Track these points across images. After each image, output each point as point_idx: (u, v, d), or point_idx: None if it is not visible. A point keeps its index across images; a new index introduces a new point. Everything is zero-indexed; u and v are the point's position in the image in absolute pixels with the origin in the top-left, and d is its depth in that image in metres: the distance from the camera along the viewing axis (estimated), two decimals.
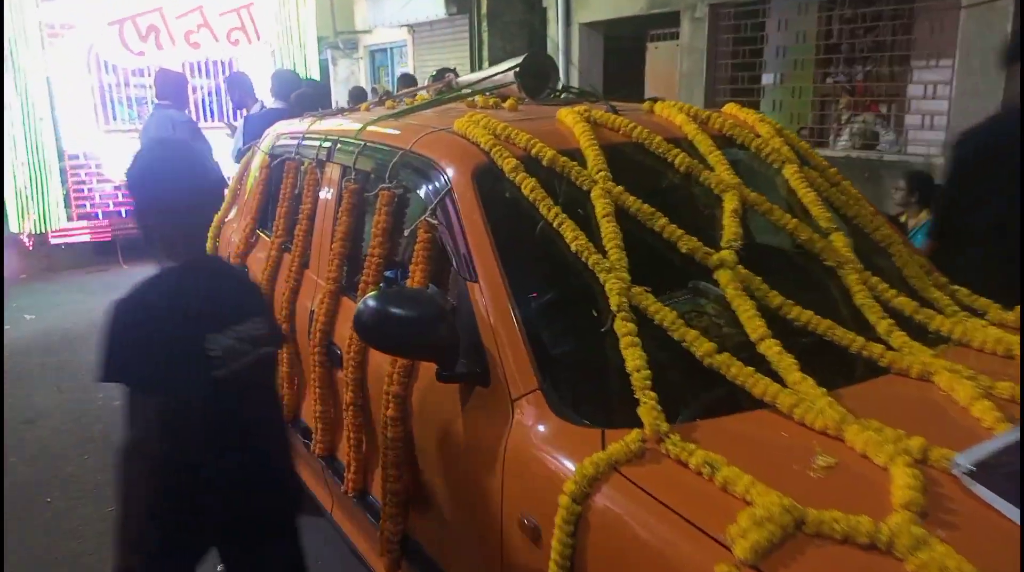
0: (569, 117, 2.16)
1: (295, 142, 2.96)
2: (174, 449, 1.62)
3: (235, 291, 1.81)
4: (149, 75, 8.03)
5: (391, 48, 13.56)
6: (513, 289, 1.70)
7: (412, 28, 12.16)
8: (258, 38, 7.98)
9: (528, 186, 1.86)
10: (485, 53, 9.76)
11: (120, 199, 8.24)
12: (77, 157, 8.02)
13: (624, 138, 2.13)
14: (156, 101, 5.76)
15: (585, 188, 1.92)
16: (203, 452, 1.65)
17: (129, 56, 7.44)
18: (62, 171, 7.92)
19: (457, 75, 3.26)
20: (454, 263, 1.85)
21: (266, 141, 3.32)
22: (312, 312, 2.45)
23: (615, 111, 2.27)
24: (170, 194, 1.66)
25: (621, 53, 8.08)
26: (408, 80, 9.79)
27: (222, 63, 8.41)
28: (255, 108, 5.84)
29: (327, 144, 2.65)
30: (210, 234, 3.45)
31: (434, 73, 3.31)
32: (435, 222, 1.92)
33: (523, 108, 2.49)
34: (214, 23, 7.70)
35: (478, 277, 1.74)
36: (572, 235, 1.76)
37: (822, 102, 6.32)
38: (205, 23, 7.64)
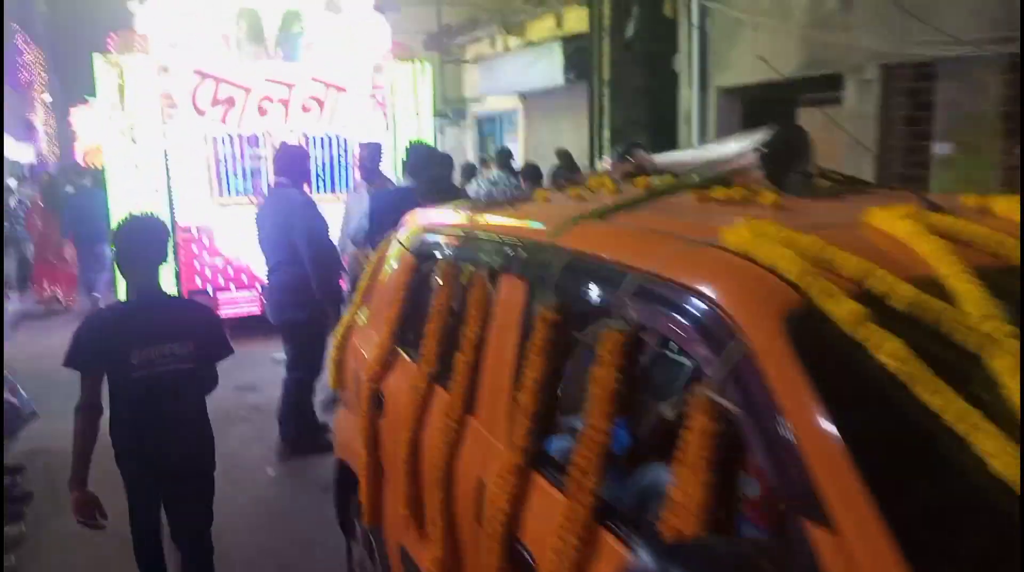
0: (899, 225, 1.42)
1: (451, 239, 2.31)
2: (112, 426, 2.72)
3: (168, 320, 2.75)
4: (264, 145, 7.84)
5: (500, 116, 13.28)
6: (908, 555, 0.94)
7: (524, 96, 11.82)
8: (331, 122, 7.77)
9: (891, 352, 1.11)
10: (606, 121, 9.19)
11: (230, 274, 7.98)
12: (189, 230, 7.81)
13: (994, 258, 1.37)
14: (275, 178, 5.35)
15: (971, 349, 1.16)
16: (131, 432, 2.70)
17: (191, 114, 7.33)
18: (173, 245, 7.71)
19: (647, 153, 2.57)
20: (773, 479, 1.11)
21: (406, 232, 2.70)
22: (481, 483, 1.76)
23: (938, 208, 1.52)
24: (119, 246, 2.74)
25: (763, 119, 7.33)
26: (507, 156, 9.31)
27: (336, 136, 8.15)
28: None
29: (504, 249, 1.98)
30: (336, 339, 2.88)
31: (619, 150, 2.67)
32: (723, 403, 1.19)
33: (786, 204, 1.77)
34: (295, 98, 7.55)
35: (835, 523, 0.99)
36: (993, 445, 1.00)
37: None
38: (288, 96, 7.45)
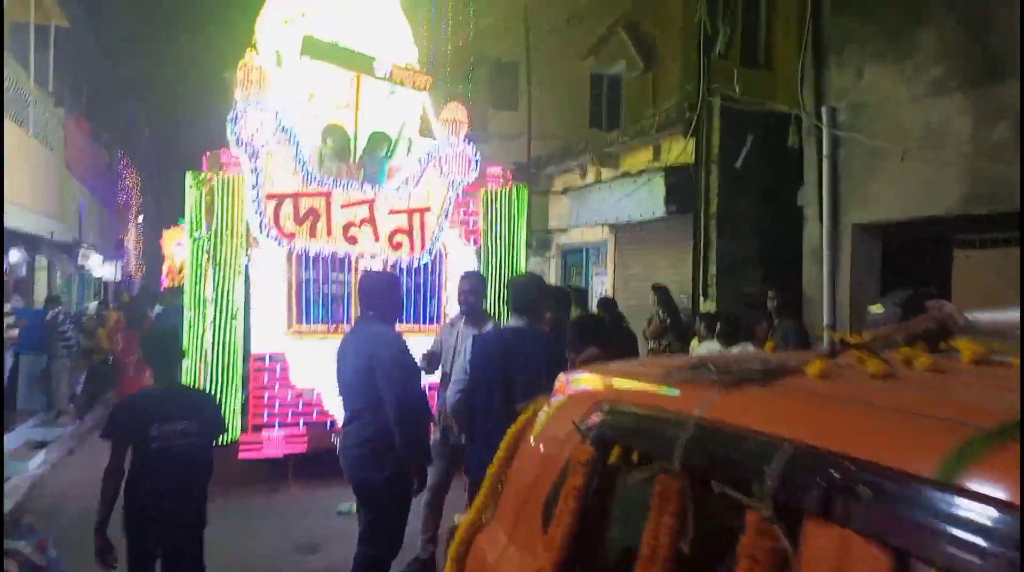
0: None
1: (674, 430, 1.48)
2: (128, 486, 3.48)
3: (178, 403, 3.63)
4: (349, 270, 7.33)
5: (586, 248, 12.74)
6: None
7: (615, 227, 11.27)
8: (422, 247, 7.08)
9: None
10: (712, 256, 8.47)
11: (300, 408, 7.29)
12: (262, 359, 7.22)
13: None
14: (361, 310, 4.68)
15: None
16: (144, 490, 3.47)
17: (278, 236, 6.70)
18: (244, 375, 7.11)
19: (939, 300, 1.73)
20: None
21: (572, 406, 1.89)
22: None
23: None
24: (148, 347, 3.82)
25: (908, 260, 6.46)
26: (610, 306, 8.61)
27: (423, 266, 7.61)
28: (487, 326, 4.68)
29: (823, 471, 1.14)
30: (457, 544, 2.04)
31: (896, 299, 1.90)
32: None
33: None
34: (380, 220, 6.92)
35: None
36: None
37: None
38: (371, 217, 6.86)
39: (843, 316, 6.53)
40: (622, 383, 1.78)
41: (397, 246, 6.87)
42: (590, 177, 11.80)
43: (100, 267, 19.33)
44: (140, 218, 29.39)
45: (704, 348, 6.60)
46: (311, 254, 7.01)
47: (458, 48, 16.24)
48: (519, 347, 3.81)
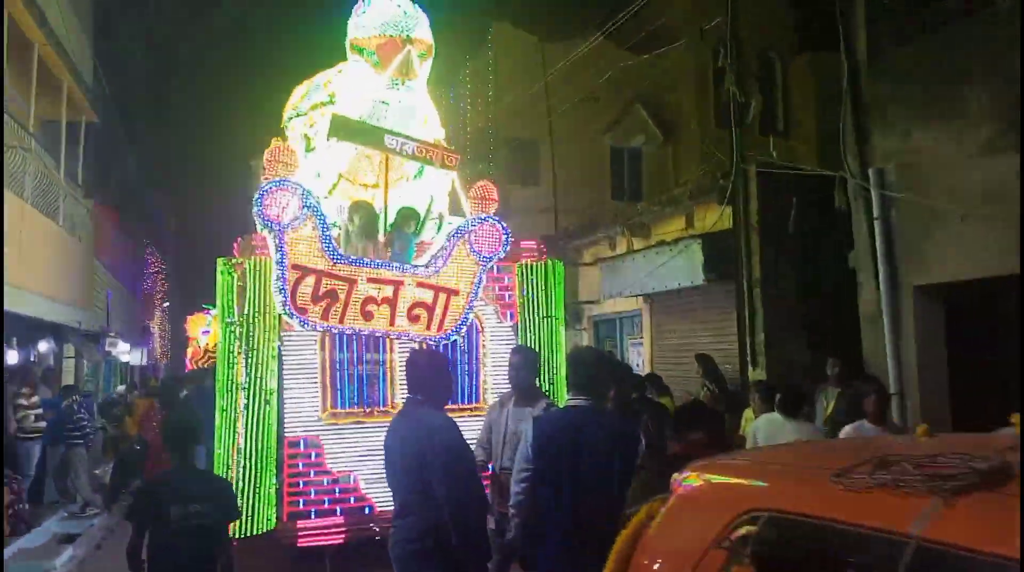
0: None
1: (848, 539, 1.19)
2: (151, 564, 3.83)
3: (194, 487, 3.99)
4: (386, 350, 7.09)
5: (620, 319, 12.46)
6: None
7: (650, 296, 11.01)
8: (439, 329, 6.77)
9: None
10: (759, 324, 8.16)
11: (337, 495, 6.93)
12: (297, 445, 6.91)
13: None
14: (409, 392, 4.37)
15: None
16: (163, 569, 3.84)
17: (292, 310, 6.38)
18: (278, 462, 6.79)
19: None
20: None
21: (683, 506, 1.60)
22: None
23: None
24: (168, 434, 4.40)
25: (973, 322, 6.13)
26: (656, 381, 8.27)
27: (455, 343, 7.35)
28: (538, 405, 4.38)
29: None
30: None
31: None
32: None
33: None
34: (402, 299, 6.61)
35: None
36: None
37: None
38: (393, 298, 6.53)
39: (909, 383, 6.17)
40: (773, 483, 1.49)
41: (415, 319, 6.60)
42: (620, 247, 11.63)
43: (127, 353, 19.28)
44: (165, 304, 29.58)
45: (765, 421, 6.24)
46: (342, 334, 6.78)
47: (478, 129, 16.46)
48: (588, 430, 3.50)
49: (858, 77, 6.64)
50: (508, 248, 6.79)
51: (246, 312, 6.71)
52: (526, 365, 5.04)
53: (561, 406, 3.92)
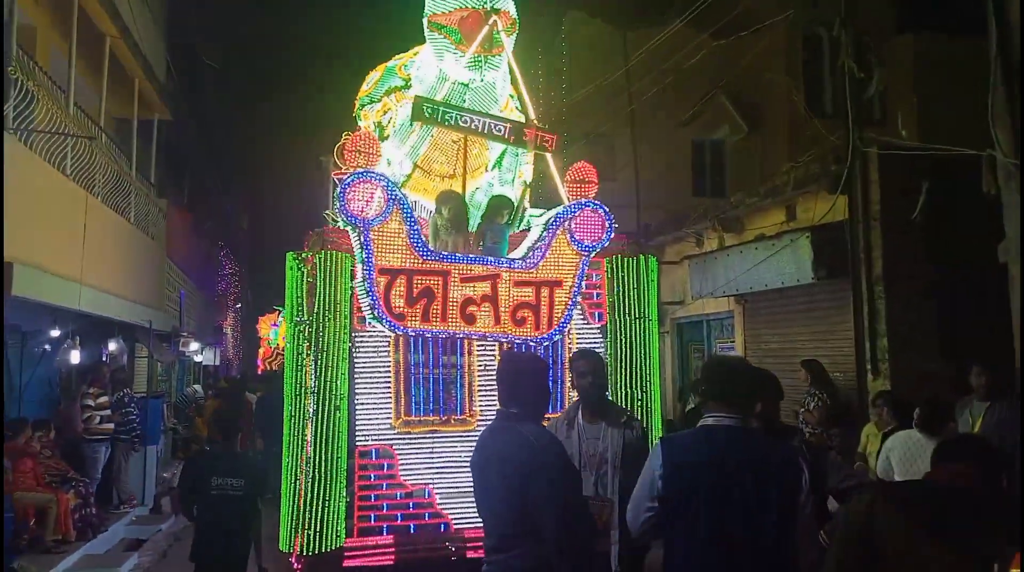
0: None
1: None
2: (195, 535, 5.31)
3: (233, 466, 5.37)
4: (464, 353, 6.49)
5: (707, 321, 11.58)
6: None
7: (743, 297, 10.13)
8: (550, 325, 6.04)
9: None
10: (881, 327, 7.22)
11: (411, 510, 6.34)
12: (369, 456, 6.36)
13: None
14: (501, 403, 3.70)
15: None
16: (205, 534, 5.25)
17: (388, 319, 5.73)
18: (348, 473, 6.25)
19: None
20: None
21: None
22: None
23: None
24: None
25: None
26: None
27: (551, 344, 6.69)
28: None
29: None
30: None
31: None
32: None
33: None
34: (504, 297, 5.92)
35: None
36: None
37: None
38: (493, 294, 5.87)
39: None
40: None
41: (521, 322, 5.94)
42: (709, 244, 10.79)
43: (200, 354, 19.30)
44: (238, 305, 29.89)
45: (902, 440, 5.37)
46: (419, 336, 6.19)
47: (552, 123, 15.80)
48: (737, 456, 2.76)
49: (1009, 43, 5.70)
50: (611, 236, 6.09)
51: (316, 311, 6.21)
52: (595, 372, 4.35)
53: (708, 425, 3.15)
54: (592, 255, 6.15)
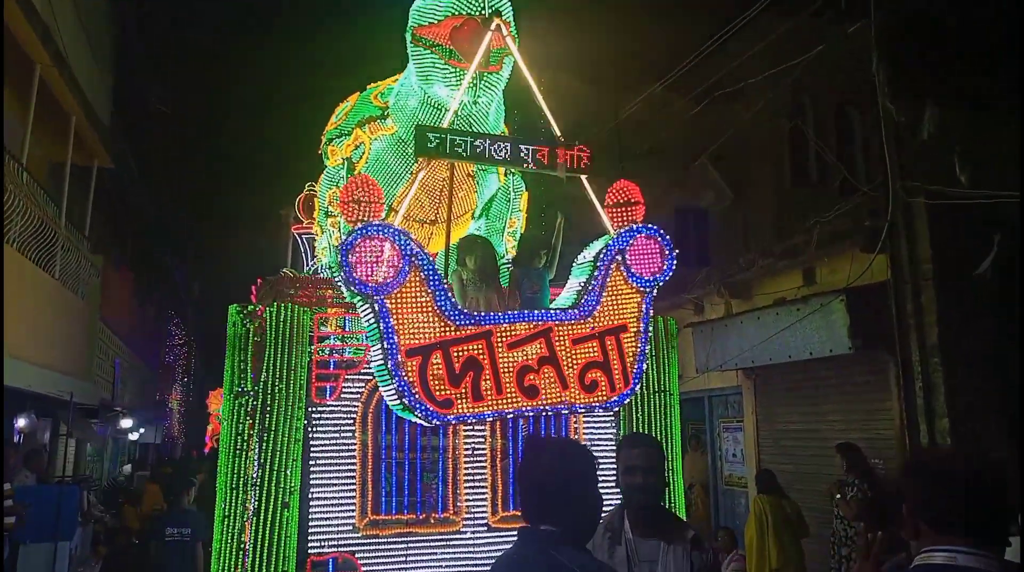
0: None
1: None
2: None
3: (182, 518, 7.60)
4: (448, 434, 5.25)
5: (709, 397, 10.43)
6: None
7: (753, 371, 9.03)
8: (627, 382, 4.80)
9: None
10: (939, 405, 6.13)
11: None
12: (324, 567, 4.96)
13: None
14: (528, 518, 2.44)
15: None
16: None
17: (429, 408, 4.39)
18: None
19: None
20: None
21: None
22: None
23: None
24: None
25: None
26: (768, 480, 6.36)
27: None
28: None
29: None
30: None
31: None
32: None
33: None
34: (564, 355, 4.67)
35: None
36: None
37: None
38: (551, 353, 4.63)
39: None
40: None
41: (591, 387, 4.67)
42: (713, 311, 9.75)
43: (135, 431, 17.42)
44: (186, 378, 27.96)
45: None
46: (479, 422, 4.85)
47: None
48: None
49: None
50: (673, 265, 4.92)
51: (264, 379, 4.90)
52: (652, 466, 3.17)
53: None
54: (655, 292, 4.97)
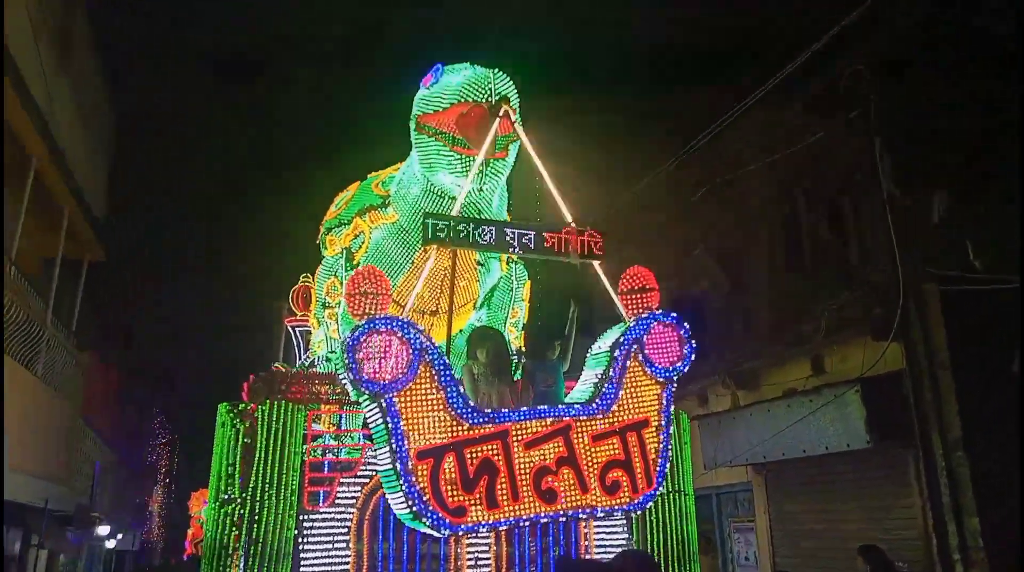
0: None
1: None
2: None
3: None
4: (452, 540, 4.86)
5: (717, 495, 9.97)
6: None
7: (763, 466, 8.65)
8: (650, 483, 4.49)
9: None
10: (971, 504, 5.78)
11: None
12: None
13: None
14: None
15: None
16: None
17: (441, 516, 4.01)
18: None
19: None
20: None
21: None
22: None
23: None
24: None
25: None
26: None
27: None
28: None
29: None
30: None
31: None
32: None
33: None
34: (583, 453, 4.36)
35: None
36: None
37: None
38: (569, 452, 4.33)
39: None
40: None
41: (613, 488, 4.35)
42: (719, 403, 9.44)
43: (112, 539, 16.52)
44: (168, 479, 26.92)
45: None
46: (492, 530, 4.49)
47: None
48: None
49: None
50: (693, 355, 4.71)
51: (252, 484, 4.55)
52: None
53: None
54: (675, 383, 4.71)
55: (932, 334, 6.19)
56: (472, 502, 3.99)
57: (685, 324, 4.77)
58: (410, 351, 4.03)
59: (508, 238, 4.70)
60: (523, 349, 5.76)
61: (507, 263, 6.52)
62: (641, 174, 11.81)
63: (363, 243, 6.14)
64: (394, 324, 4.05)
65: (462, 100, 5.06)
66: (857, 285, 7.17)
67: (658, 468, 4.48)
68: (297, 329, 9.78)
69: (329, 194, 7.19)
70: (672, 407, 4.74)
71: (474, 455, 4.06)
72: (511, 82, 5.17)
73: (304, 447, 4.87)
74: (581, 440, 4.34)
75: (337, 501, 4.89)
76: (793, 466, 8.06)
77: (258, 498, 4.52)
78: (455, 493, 3.97)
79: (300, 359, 9.54)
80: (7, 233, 8.19)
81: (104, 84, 11.84)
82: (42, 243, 10.04)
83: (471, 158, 5.04)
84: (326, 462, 4.95)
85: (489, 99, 4.99)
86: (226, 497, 4.51)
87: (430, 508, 3.91)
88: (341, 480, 4.89)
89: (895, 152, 6.46)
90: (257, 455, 4.61)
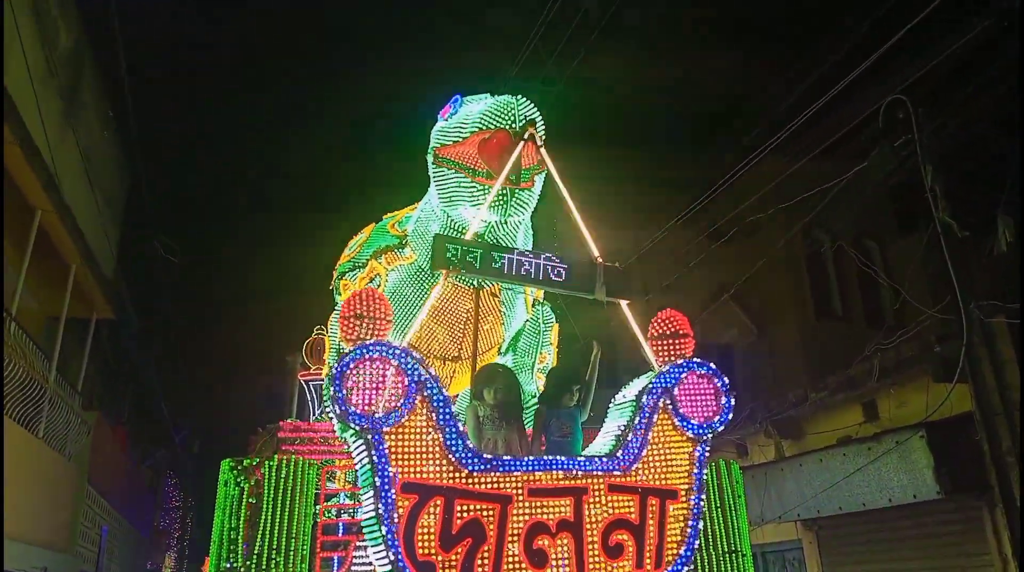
0: None
1: None
2: None
3: None
4: None
5: (763, 554, 9.25)
6: None
7: (815, 522, 7.98)
8: (658, 564, 3.88)
9: None
10: None
11: None
12: None
13: None
14: None
15: None
16: None
17: (405, 565, 3.45)
18: None
19: None
20: None
21: None
22: None
23: None
24: None
25: None
26: None
27: None
28: None
29: None
30: None
31: None
32: None
33: None
34: (591, 520, 3.77)
35: None
36: None
37: None
38: (576, 517, 3.74)
39: None
40: None
41: (617, 552, 3.76)
42: (760, 454, 8.83)
43: None
44: (181, 544, 26.11)
45: None
46: None
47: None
48: None
49: None
50: (731, 410, 4.15)
51: (257, 550, 4.04)
52: None
53: None
54: (709, 442, 4.13)
55: (1004, 372, 5.64)
56: (444, 564, 3.42)
57: (723, 375, 4.23)
58: (406, 383, 3.53)
59: (526, 268, 4.24)
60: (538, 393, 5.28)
61: (532, 306, 6.07)
62: (661, 221, 11.47)
63: (379, 286, 5.71)
64: (389, 351, 3.55)
65: (484, 128, 4.67)
66: (910, 325, 6.64)
67: (678, 556, 3.86)
68: (311, 383, 9.36)
69: (339, 242, 6.83)
70: (705, 470, 4.15)
71: (465, 511, 3.51)
72: (535, 108, 4.80)
73: (317, 508, 4.38)
74: (596, 502, 3.77)
75: (353, 568, 4.36)
76: (848, 521, 7.40)
77: (264, 567, 4.00)
78: (429, 545, 3.41)
79: (315, 414, 9.08)
80: (7, 290, 7.87)
81: (114, 136, 11.70)
82: (47, 300, 9.73)
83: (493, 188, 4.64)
84: (340, 524, 4.45)
85: (513, 125, 4.60)
86: (228, 567, 4.00)
87: (398, 554, 3.33)
88: (358, 543, 4.37)
89: (946, 181, 6.02)
90: (263, 516, 4.11)
